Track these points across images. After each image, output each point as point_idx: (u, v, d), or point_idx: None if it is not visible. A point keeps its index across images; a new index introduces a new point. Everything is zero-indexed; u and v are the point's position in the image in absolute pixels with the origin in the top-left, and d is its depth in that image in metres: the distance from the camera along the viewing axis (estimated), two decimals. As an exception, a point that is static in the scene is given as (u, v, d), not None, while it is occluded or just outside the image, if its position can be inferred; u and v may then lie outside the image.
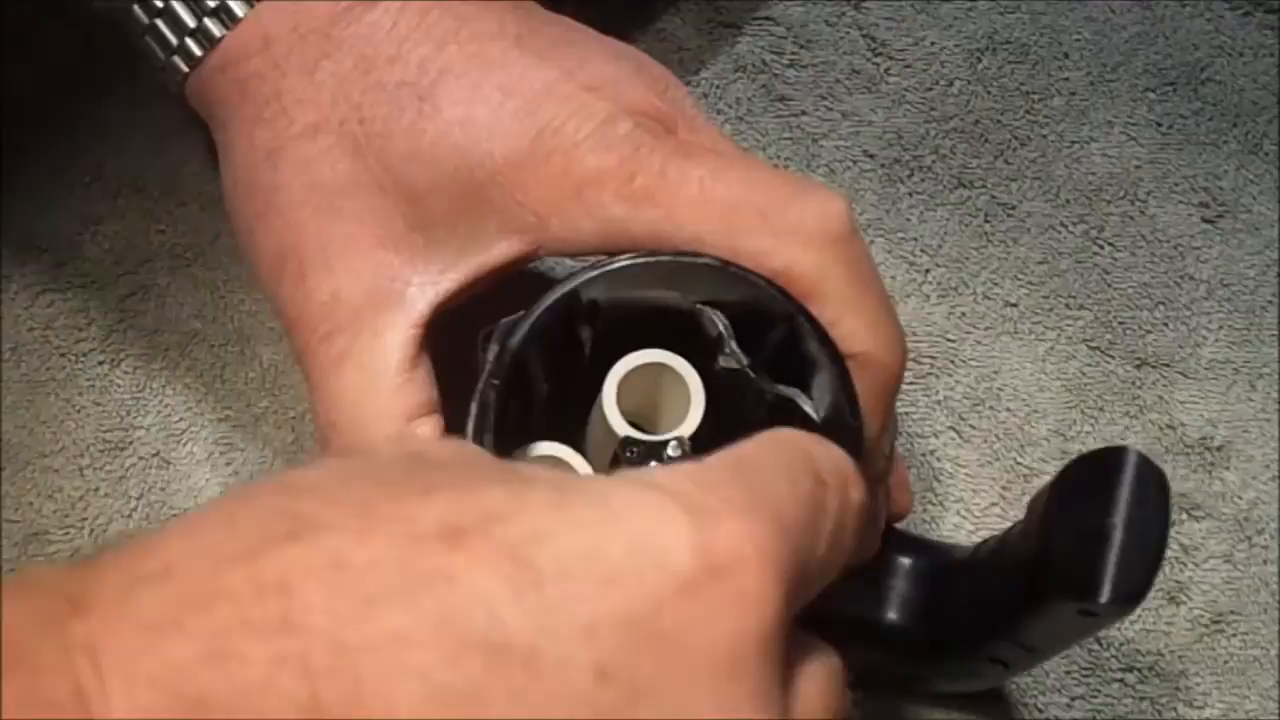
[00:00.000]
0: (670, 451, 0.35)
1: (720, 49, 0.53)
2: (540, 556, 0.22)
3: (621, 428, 0.35)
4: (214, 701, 0.21)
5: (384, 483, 0.24)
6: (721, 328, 0.35)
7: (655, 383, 0.36)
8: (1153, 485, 0.33)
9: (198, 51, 0.37)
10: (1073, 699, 0.45)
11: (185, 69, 0.37)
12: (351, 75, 0.36)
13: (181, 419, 0.45)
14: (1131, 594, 0.32)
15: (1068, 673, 0.45)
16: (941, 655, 0.40)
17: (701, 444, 0.36)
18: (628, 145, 0.35)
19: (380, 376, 0.36)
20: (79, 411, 0.45)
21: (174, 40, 0.37)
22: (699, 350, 0.36)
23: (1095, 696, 0.45)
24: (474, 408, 0.34)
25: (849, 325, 0.35)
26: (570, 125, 0.35)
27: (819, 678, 0.26)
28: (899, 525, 0.41)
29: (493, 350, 0.34)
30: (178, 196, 0.48)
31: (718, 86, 0.52)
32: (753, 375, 0.35)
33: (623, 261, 0.34)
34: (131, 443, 0.45)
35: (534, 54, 0.36)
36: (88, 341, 0.46)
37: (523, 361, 0.34)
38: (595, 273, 0.34)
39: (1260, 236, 0.52)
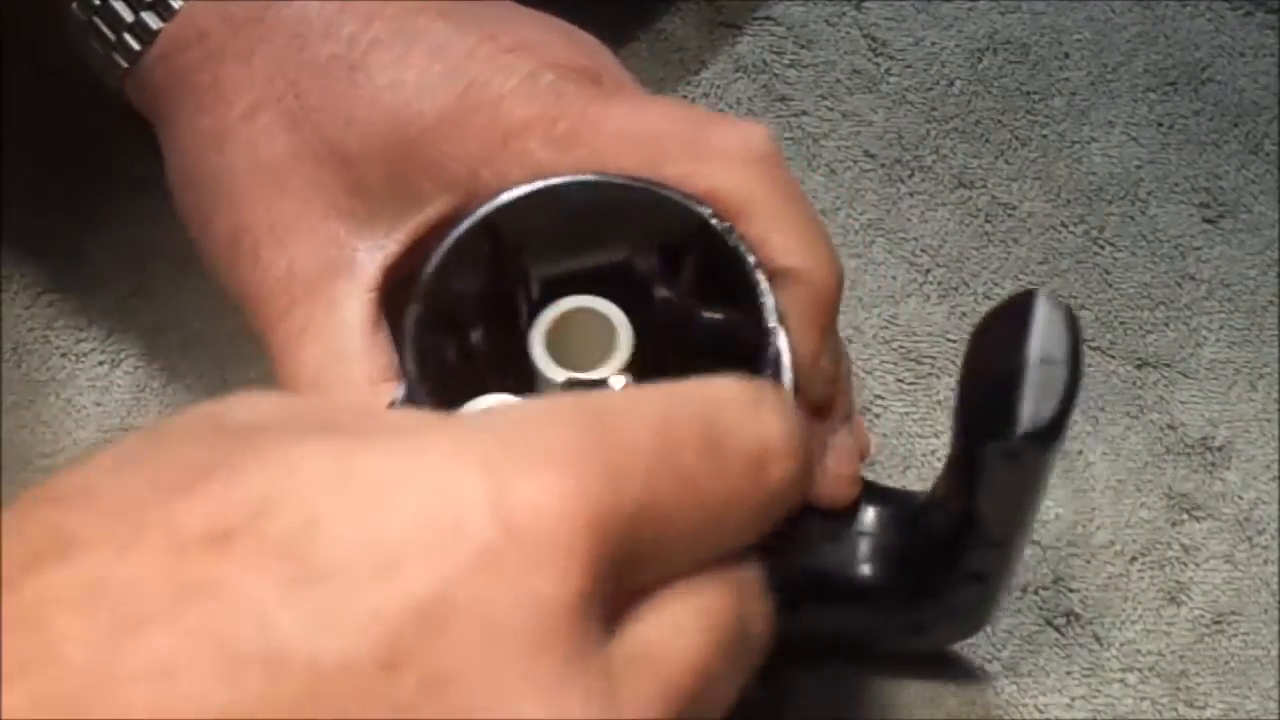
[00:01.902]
0: (613, 386, 0.35)
1: (721, 49, 0.53)
2: (313, 550, 0.20)
3: (557, 373, 0.35)
4: None
5: (155, 476, 0.22)
6: (652, 263, 0.36)
7: (591, 329, 0.37)
8: (1061, 321, 0.33)
9: (136, 46, 0.37)
10: (1073, 699, 0.44)
11: (124, 65, 0.38)
12: (285, 55, 0.37)
13: (181, 419, 0.45)
14: (1046, 426, 0.32)
15: (1068, 673, 0.45)
16: (919, 591, 0.40)
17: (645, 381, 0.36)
18: (550, 94, 0.35)
19: (341, 345, 0.37)
20: (79, 411, 0.45)
21: (112, 36, 0.38)
22: (637, 292, 0.36)
23: (1095, 696, 0.45)
24: (403, 347, 0.35)
25: (778, 241, 0.35)
26: (496, 81, 0.36)
27: (665, 628, 0.23)
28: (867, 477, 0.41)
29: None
30: (178, 196, 0.48)
31: (718, 86, 0.52)
32: (681, 302, 0.36)
33: (530, 187, 0.35)
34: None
35: (457, 22, 0.37)
36: (88, 341, 0.46)
37: (445, 292, 0.34)
38: (507, 198, 0.35)
39: (1261, 236, 0.52)
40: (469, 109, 0.35)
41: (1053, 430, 0.32)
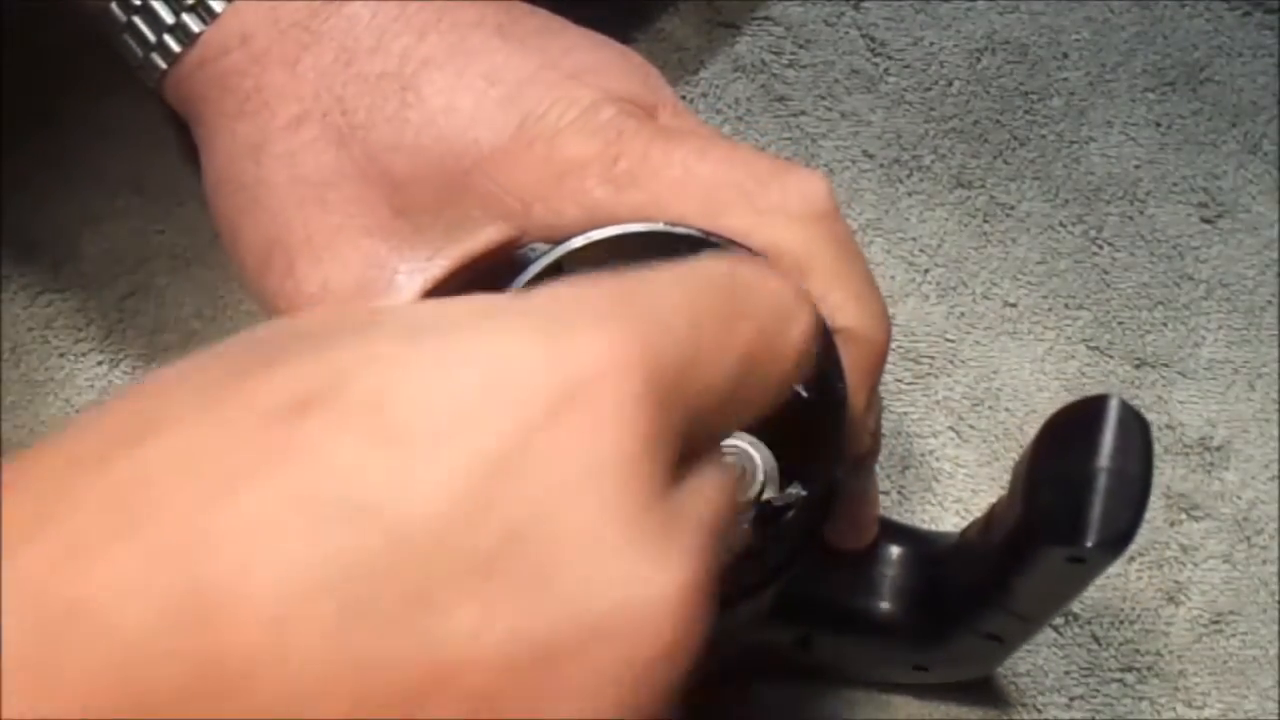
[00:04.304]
0: None
1: (719, 49, 0.53)
2: (388, 412, 0.21)
3: None
4: (85, 605, 0.20)
5: (232, 363, 0.23)
6: None
7: None
8: (1135, 430, 0.33)
9: (176, 48, 0.37)
10: (1072, 699, 0.45)
11: (163, 66, 0.38)
12: (333, 67, 0.36)
13: (181, 419, 0.45)
14: (1118, 536, 0.32)
15: (1067, 673, 0.45)
16: (935, 637, 0.40)
17: None
18: (611, 130, 0.35)
19: None
20: (79, 411, 0.45)
21: (152, 37, 0.37)
22: None
23: (1095, 696, 0.45)
24: None
25: (835, 300, 0.35)
26: (554, 112, 0.35)
27: (706, 485, 0.25)
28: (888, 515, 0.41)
29: None
30: (177, 196, 0.48)
31: (717, 87, 0.52)
32: None
33: (603, 232, 0.35)
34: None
35: (516, 42, 0.36)
36: (87, 341, 0.46)
37: None
38: (580, 242, 0.35)
39: (1259, 236, 0.52)
40: (526, 142, 0.35)
41: (1124, 540, 0.32)
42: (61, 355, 0.46)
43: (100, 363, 0.46)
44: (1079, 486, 0.33)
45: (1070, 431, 0.34)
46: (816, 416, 0.35)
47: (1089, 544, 0.32)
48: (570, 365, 0.22)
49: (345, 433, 0.21)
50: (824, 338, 0.34)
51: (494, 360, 0.22)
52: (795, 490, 0.35)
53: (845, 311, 0.35)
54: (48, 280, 0.46)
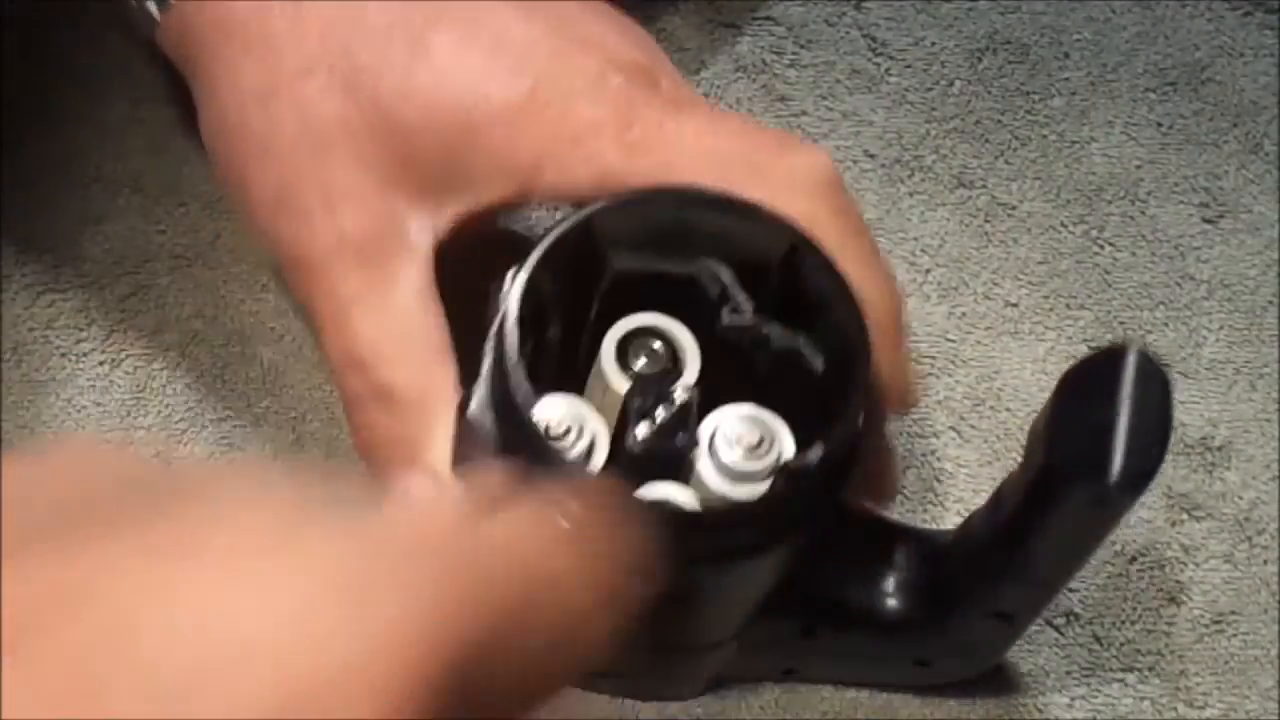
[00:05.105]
0: (678, 395, 0.35)
1: (720, 49, 0.53)
2: (100, 668, 0.18)
3: (623, 385, 0.35)
4: None
5: (23, 523, 0.20)
6: (725, 281, 0.36)
7: (659, 347, 0.37)
8: (1155, 378, 0.34)
9: None
10: (1073, 699, 0.45)
11: (157, 13, 0.37)
12: (338, 17, 0.36)
13: (181, 419, 0.45)
14: (1140, 473, 0.33)
15: (1068, 673, 0.45)
16: (942, 624, 0.40)
17: (710, 404, 0.36)
18: (622, 97, 0.36)
19: (402, 321, 0.36)
20: (79, 411, 0.45)
21: None
22: (703, 312, 0.36)
23: (1095, 696, 0.45)
24: (504, 329, 0.33)
25: (840, 269, 0.35)
26: (564, 79, 0.36)
27: None
28: (890, 514, 0.41)
29: (512, 271, 0.34)
30: (178, 196, 0.48)
31: (718, 86, 0.52)
32: (753, 324, 0.36)
33: (635, 193, 0.35)
34: (132, 443, 0.45)
35: (524, 10, 0.37)
36: (88, 341, 0.46)
37: (538, 290, 0.34)
38: (607, 203, 0.35)
39: (1260, 236, 0.52)
40: (539, 104, 0.35)
41: (1145, 478, 0.33)
42: (63, 355, 0.46)
43: (101, 363, 0.46)
44: (1100, 430, 0.33)
45: (1090, 380, 0.34)
46: (839, 378, 0.35)
47: (1112, 480, 0.32)
48: (332, 655, 0.19)
49: (45, 682, 0.18)
50: (847, 300, 0.35)
51: (244, 616, 0.19)
52: (816, 451, 0.35)
53: (851, 279, 0.35)
54: (49, 280, 0.46)
